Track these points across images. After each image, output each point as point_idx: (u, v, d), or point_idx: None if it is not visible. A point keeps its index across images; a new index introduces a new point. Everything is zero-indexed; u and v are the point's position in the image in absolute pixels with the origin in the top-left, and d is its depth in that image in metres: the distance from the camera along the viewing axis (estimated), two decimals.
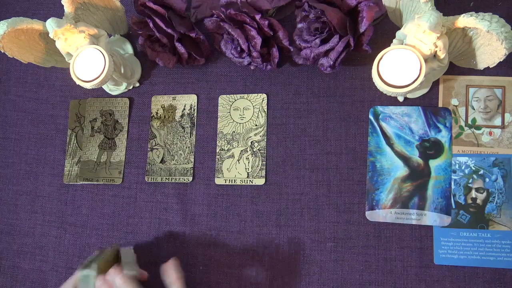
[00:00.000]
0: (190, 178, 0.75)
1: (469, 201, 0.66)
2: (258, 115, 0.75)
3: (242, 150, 0.74)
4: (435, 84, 0.70)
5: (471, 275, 0.65)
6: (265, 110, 0.74)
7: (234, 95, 0.76)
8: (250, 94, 0.76)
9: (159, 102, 0.78)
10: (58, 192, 0.79)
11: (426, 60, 0.60)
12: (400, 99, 0.70)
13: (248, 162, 0.73)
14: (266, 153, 0.73)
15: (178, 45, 0.72)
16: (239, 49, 0.70)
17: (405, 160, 0.68)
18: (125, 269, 0.64)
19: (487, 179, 0.66)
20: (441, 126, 0.68)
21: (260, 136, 0.74)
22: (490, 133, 0.67)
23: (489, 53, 0.59)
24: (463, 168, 0.67)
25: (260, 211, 0.72)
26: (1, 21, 0.65)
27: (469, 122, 0.68)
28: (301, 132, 0.73)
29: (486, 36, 0.57)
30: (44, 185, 0.80)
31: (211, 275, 0.71)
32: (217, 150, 0.75)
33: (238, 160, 0.74)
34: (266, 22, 0.67)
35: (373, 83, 0.63)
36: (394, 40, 0.64)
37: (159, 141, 0.77)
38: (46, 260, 0.77)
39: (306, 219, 0.71)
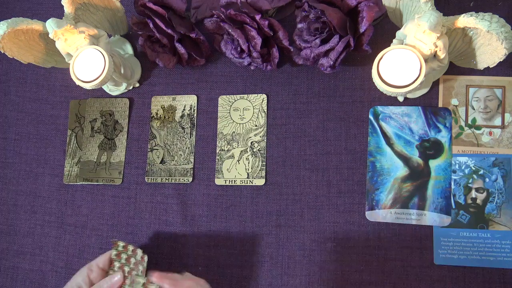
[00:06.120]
0: (190, 179, 0.75)
1: (469, 201, 0.66)
2: (258, 115, 0.75)
3: (242, 151, 0.74)
4: (435, 84, 0.70)
5: (471, 275, 0.65)
6: (265, 110, 0.74)
7: (234, 95, 0.76)
8: (250, 95, 0.76)
9: (159, 103, 0.78)
10: (58, 193, 0.79)
11: (426, 60, 0.60)
12: (400, 99, 0.70)
13: (248, 163, 0.73)
14: (266, 154, 0.73)
15: (178, 45, 0.72)
16: (239, 49, 0.70)
17: (405, 160, 0.68)
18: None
19: (487, 179, 0.66)
20: (441, 126, 0.68)
21: (260, 136, 0.74)
22: (490, 133, 0.67)
23: (489, 53, 0.59)
24: (463, 168, 0.67)
25: (260, 211, 0.72)
26: (1, 22, 0.65)
27: (469, 122, 0.68)
28: (301, 132, 0.73)
29: (486, 36, 0.57)
30: (44, 185, 0.80)
31: (211, 275, 0.71)
32: (217, 151, 0.75)
33: (238, 160, 0.74)
34: (266, 22, 0.67)
35: (373, 83, 0.63)
36: (394, 40, 0.64)
37: (159, 142, 0.77)
38: (46, 261, 0.77)
39: (306, 219, 0.71)
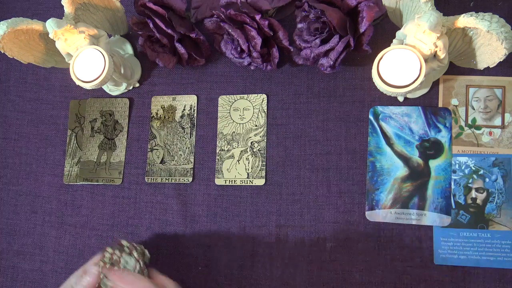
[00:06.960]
0: (190, 179, 0.75)
1: (469, 201, 0.66)
2: (258, 115, 0.75)
3: (242, 151, 0.74)
4: (435, 84, 0.70)
5: (471, 275, 0.65)
6: (265, 110, 0.74)
7: (234, 95, 0.76)
8: (250, 95, 0.76)
9: (159, 103, 0.78)
10: (58, 193, 0.79)
11: (426, 60, 0.60)
12: (400, 99, 0.70)
13: (248, 163, 0.73)
14: (266, 154, 0.73)
15: (178, 45, 0.72)
16: (239, 49, 0.70)
17: (405, 160, 0.68)
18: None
19: (487, 179, 0.66)
20: (441, 126, 0.68)
21: (260, 136, 0.74)
22: (490, 133, 0.67)
23: (489, 53, 0.59)
24: (463, 168, 0.67)
25: (260, 211, 0.72)
26: (1, 22, 0.65)
27: (469, 122, 0.68)
28: (301, 132, 0.73)
29: (486, 36, 0.57)
30: (44, 185, 0.80)
31: (211, 275, 0.71)
32: (217, 151, 0.75)
33: (238, 160, 0.74)
34: (266, 22, 0.67)
35: (373, 83, 0.63)
36: (394, 40, 0.64)
37: (159, 142, 0.77)
38: (46, 261, 0.77)
39: (306, 219, 0.70)
